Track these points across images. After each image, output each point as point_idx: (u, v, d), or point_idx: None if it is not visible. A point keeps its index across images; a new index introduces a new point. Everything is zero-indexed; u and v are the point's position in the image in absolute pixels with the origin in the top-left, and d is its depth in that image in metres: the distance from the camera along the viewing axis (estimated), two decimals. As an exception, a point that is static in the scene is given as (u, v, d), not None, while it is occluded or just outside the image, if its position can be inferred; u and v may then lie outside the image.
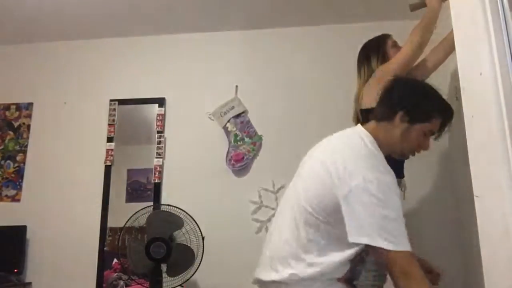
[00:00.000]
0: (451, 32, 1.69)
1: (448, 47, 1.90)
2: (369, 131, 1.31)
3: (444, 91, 2.43)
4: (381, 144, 1.29)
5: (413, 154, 1.39)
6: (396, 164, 1.80)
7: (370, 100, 1.72)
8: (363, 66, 1.93)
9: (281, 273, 1.24)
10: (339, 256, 1.20)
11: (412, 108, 1.28)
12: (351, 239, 1.13)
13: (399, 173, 1.82)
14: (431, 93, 1.33)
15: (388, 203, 1.13)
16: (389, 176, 1.20)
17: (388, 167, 1.23)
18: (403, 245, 1.11)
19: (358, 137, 1.29)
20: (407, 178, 1.88)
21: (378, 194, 1.12)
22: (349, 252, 1.20)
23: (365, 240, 1.11)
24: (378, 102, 1.37)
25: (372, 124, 1.35)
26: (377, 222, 1.11)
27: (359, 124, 1.40)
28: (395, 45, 1.91)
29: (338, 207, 1.17)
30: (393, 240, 1.09)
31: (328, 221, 1.20)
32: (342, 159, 1.21)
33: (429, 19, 1.78)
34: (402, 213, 1.15)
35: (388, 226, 1.11)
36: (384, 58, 1.88)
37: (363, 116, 1.79)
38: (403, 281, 1.11)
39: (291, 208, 1.30)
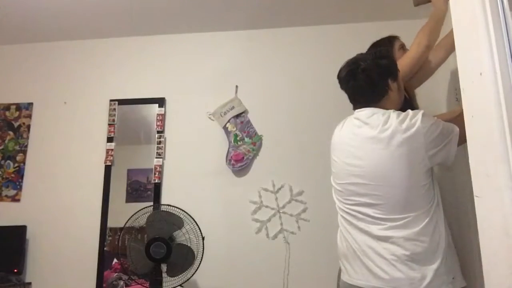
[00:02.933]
0: (451, 32, 1.70)
1: (449, 46, 1.89)
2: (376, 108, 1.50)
3: (444, 91, 2.45)
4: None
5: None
6: None
7: None
8: None
9: None
10: None
11: (392, 70, 1.54)
12: None
13: None
14: (380, 51, 1.59)
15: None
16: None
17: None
18: None
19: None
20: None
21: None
22: None
23: None
24: (363, 89, 1.52)
25: (373, 105, 1.50)
26: None
27: (361, 111, 1.52)
28: (402, 48, 1.91)
29: None
30: None
31: None
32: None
33: (435, 21, 1.74)
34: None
35: None
36: None
37: None
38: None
39: None
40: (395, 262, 1.35)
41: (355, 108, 1.57)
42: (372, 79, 1.49)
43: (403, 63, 1.74)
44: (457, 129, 1.41)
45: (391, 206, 1.39)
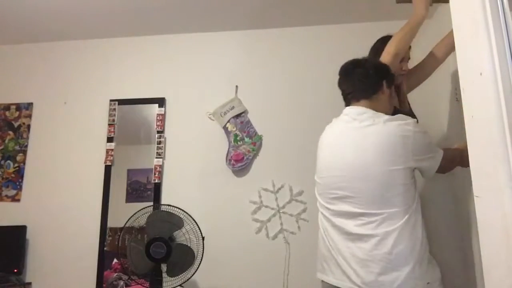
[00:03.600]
0: (451, 32, 1.70)
1: (448, 47, 1.90)
2: (366, 108, 1.55)
3: (444, 92, 2.45)
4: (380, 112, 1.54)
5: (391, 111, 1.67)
6: None
7: None
8: None
9: None
10: None
11: (388, 75, 1.61)
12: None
13: None
14: (381, 63, 1.65)
15: None
16: None
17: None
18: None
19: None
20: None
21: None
22: None
23: None
24: (357, 82, 1.58)
25: (363, 103, 1.56)
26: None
27: (351, 107, 1.58)
28: None
29: None
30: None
31: None
32: None
33: (410, 28, 1.74)
34: None
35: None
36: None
37: None
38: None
39: None
40: (369, 263, 1.37)
41: (346, 105, 1.62)
42: (368, 73, 1.58)
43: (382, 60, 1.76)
44: (442, 152, 1.49)
45: (367, 201, 1.41)
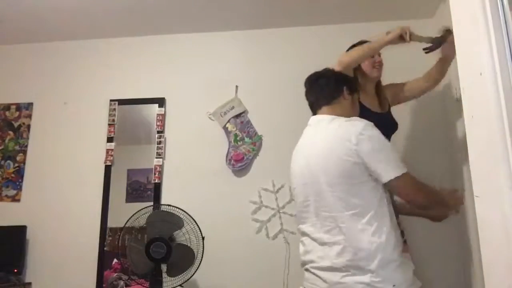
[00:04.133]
0: (436, 64, 1.78)
1: (436, 77, 1.95)
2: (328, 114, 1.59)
3: (444, 92, 2.45)
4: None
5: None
6: None
7: None
8: None
9: None
10: None
11: (351, 83, 1.66)
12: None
13: None
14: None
15: None
16: None
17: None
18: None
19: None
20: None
21: None
22: None
23: None
24: (319, 90, 1.65)
25: (326, 110, 1.60)
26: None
27: (314, 116, 1.64)
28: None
29: None
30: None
31: None
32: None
33: (374, 47, 1.81)
34: None
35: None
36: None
37: None
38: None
39: None
40: (336, 266, 1.39)
41: (313, 115, 1.67)
42: (329, 80, 1.65)
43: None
44: (403, 170, 1.42)
45: (329, 205, 1.43)
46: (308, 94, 1.70)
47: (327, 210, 1.43)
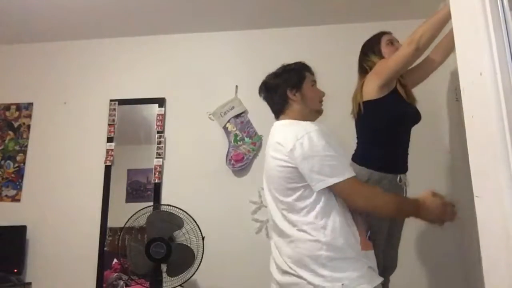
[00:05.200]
0: (450, 32, 1.68)
1: (448, 48, 1.89)
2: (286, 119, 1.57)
3: (444, 92, 2.45)
4: (300, 120, 1.52)
5: (321, 105, 1.65)
6: (398, 158, 1.81)
7: (370, 92, 1.76)
8: (360, 62, 1.96)
9: None
10: None
11: (290, 81, 1.59)
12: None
13: (401, 168, 1.82)
14: (289, 65, 1.69)
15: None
16: None
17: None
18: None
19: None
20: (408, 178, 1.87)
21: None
22: None
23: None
24: (270, 105, 1.65)
25: (282, 118, 1.59)
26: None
27: (276, 122, 1.63)
28: (391, 43, 1.90)
29: None
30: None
31: None
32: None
33: (439, 21, 1.63)
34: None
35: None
36: (380, 54, 1.88)
37: (364, 108, 1.79)
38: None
39: None
40: (283, 261, 1.43)
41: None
42: (272, 91, 1.62)
43: (396, 58, 1.72)
44: (349, 174, 1.38)
45: (280, 209, 1.46)
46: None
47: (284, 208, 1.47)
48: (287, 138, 1.44)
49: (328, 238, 1.34)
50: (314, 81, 1.66)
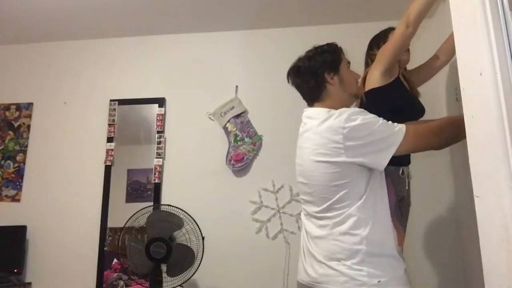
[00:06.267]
0: (452, 34, 1.68)
1: (450, 50, 1.90)
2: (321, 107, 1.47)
3: (444, 92, 2.44)
4: (338, 106, 1.41)
5: (357, 88, 1.57)
6: None
7: (372, 80, 1.76)
8: (366, 56, 1.97)
9: None
10: None
11: (327, 63, 1.47)
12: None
13: (404, 160, 1.82)
14: (321, 47, 1.56)
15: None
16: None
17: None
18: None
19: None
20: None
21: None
22: None
23: None
24: (302, 91, 1.54)
25: (318, 106, 1.48)
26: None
27: (306, 109, 1.53)
28: None
29: None
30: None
31: None
32: None
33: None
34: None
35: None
36: None
37: (367, 97, 1.79)
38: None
39: None
40: (322, 259, 1.36)
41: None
42: (306, 75, 1.50)
43: (392, 40, 1.72)
44: (400, 137, 1.31)
45: (319, 204, 1.40)
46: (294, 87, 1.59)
47: (319, 207, 1.41)
48: (330, 130, 1.33)
49: (369, 233, 1.30)
50: (349, 63, 1.55)
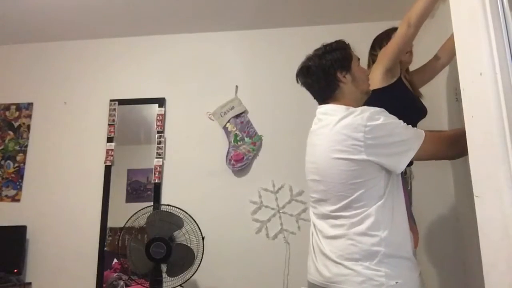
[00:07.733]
0: (453, 35, 1.68)
1: (451, 50, 1.89)
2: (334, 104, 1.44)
3: (444, 92, 2.44)
4: (351, 105, 1.40)
5: (369, 85, 1.54)
6: None
7: (374, 81, 1.76)
8: (368, 57, 1.96)
9: None
10: None
11: (338, 61, 1.45)
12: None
13: None
14: (330, 45, 1.54)
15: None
16: None
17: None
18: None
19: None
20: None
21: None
22: None
23: None
24: (313, 91, 1.50)
25: (330, 101, 1.45)
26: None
27: (320, 107, 1.49)
28: None
29: None
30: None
31: None
32: None
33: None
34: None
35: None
36: None
37: (369, 99, 1.79)
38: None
39: None
40: (337, 259, 1.33)
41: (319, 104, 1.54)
42: (318, 75, 1.46)
43: (394, 40, 1.72)
44: (419, 142, 1.30)
45: (334, 203, 1.37)
46: (303, 86, 1.56)
47: (333, 205, 1.38)
48: (350, 128, 1.30)
49: (388, 235, 1.28)
50: (359, 59, 1.52)
